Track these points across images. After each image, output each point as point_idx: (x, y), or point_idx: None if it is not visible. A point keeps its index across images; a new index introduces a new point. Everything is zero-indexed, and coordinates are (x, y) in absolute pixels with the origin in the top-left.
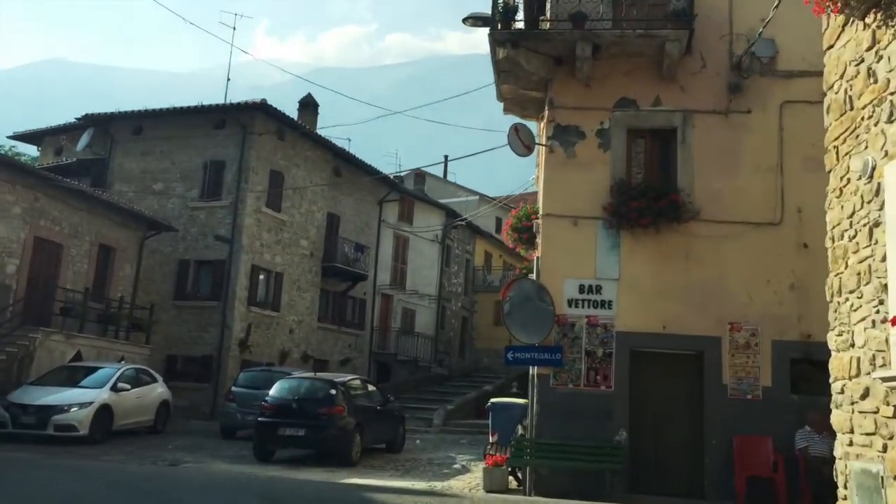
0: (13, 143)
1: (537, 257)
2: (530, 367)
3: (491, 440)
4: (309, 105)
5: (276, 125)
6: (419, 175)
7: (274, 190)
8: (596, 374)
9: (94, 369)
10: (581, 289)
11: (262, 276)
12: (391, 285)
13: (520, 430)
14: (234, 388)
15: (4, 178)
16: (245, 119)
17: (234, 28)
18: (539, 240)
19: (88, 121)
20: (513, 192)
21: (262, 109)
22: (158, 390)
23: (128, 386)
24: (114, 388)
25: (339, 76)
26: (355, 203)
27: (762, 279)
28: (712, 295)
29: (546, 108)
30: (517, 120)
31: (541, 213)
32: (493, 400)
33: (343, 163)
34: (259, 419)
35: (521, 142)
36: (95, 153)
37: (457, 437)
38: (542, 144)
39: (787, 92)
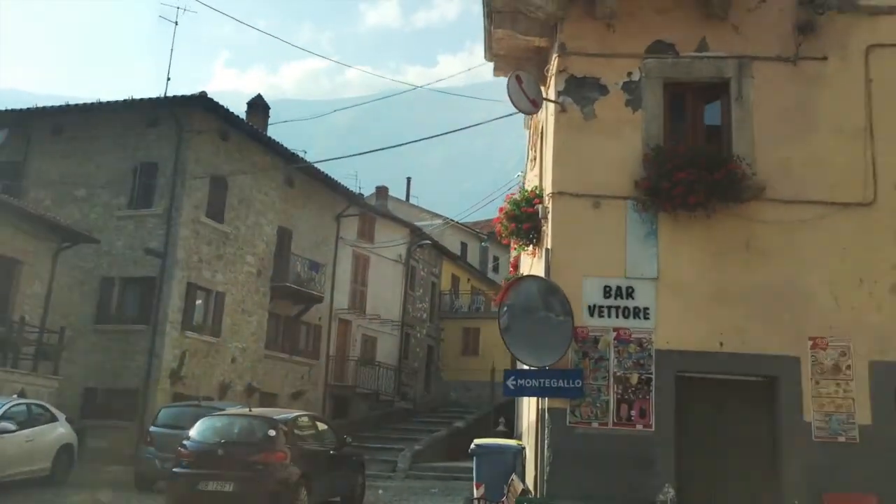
0: None
1: (547, 249)
2: (537, 400)
3: (476, 494)
4: (258, 107)
5: (217, 123)
6: (381, 191)
7: (216, 198)
8: (629, 409)
9: None
10: (607, 292)
11: (199, 296)
12: (350, 309)
13: (514, 483)
14: (152, 429)
15: None
16: (181, 115)
17: (176, 23)
18: (547, 228)
19: (1, 119)
20: (480, 219)
21: (201, 104)
22: (58, 431)
23: (12, 426)
24: None
25: (300, 110)
26: (310, 217)
27: (852, 278)
28: (786, 300)
29: (555, 56)
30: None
31: (550, 191)
32: (477, 441)
33: (297, 172)
34: (174, 469)
35: (525, 94)
36: (10, 156)
37: (426, 483)
38: (552, 101)
39: (874, 33)
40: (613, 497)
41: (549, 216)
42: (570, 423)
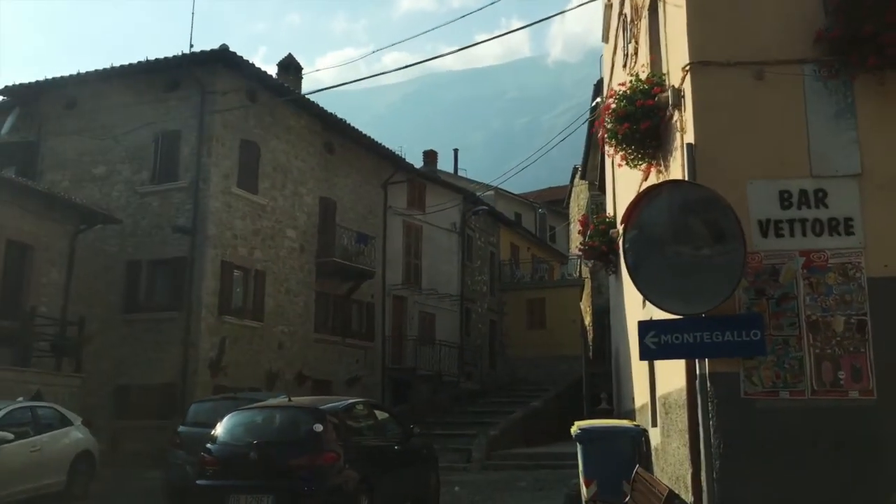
0: None
1: (688, 146)
2: (688, 365)
3: (587, 494)
4: (290, 67)
5: (244, 82)
6: (430, 156)
7: (248, 166)
8: (835, 369)
9: None
10: (785, 200)
11: (237, 276)
12: (404, 284)
13: (646, 480)
14: (181, 428)
15: None
16: (203, 75)
17: None
18: (682, 119)
19: (10, 94)
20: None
21: (223, 61)
22: (73, 437)
23: (10, 436)
24: None
25: (338, 101)
26: (354, 185)
27: None
28: None
29: None
30: None
31: (685, 63)
32: (581, 425)
33: (337, 136)
34: (197, 482)
35: None
36: (23, 136)
37: (509, 475)
38: None
39: None
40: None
41: (687, 100)
42: (745, 393)
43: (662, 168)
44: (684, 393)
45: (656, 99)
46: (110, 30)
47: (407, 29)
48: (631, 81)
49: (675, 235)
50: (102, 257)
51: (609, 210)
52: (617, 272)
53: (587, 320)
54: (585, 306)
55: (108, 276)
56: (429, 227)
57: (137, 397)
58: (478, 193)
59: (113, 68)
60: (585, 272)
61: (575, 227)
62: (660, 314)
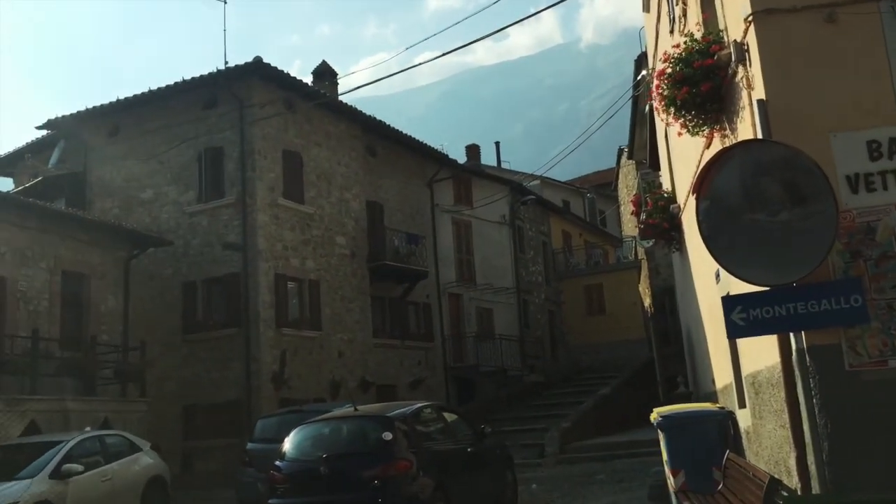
0: None
1: (760, 102)
2: (781, 340)
3: (674, 485)
4: (325, 74)
5: (281, 93)
6: (472, 150)
7: (292, 176)
8: None
9: (38, 447)
10: (874, 150)
11: (291, 288)
12: (458, 282)
13: (740, 465)
14: (250, 445)
15: None
16: (240, 89)
17: (225, 1)
18: (751, 70)
19: (54, 127)
20: (576, 175)
21: (258, 73)
22: (143, 462)
23: (80, 467)
24: (56, 474)
25: (374, 106)
26: (399, 187)
27: None
28: None
29: None
30: None
31: (748, 13)
32: (661, 411)
33: (378, 138)
34: (270, 502)
35: None
36: (70, 168)
37: (585, 468)
38: None
39: None
40: None
41: (753, 54)
42: (850, 365)
43: (728, 132)
44: (777, 370)
45: (716, 57)
46: (145, 56)
47: (437, 28)
48: (685, 42)
49: (749, 202)
50: (157, 280)
51: (665, 185)
52: (681, 249)
53: (647, 302)
54: (644, 288)
55: (165, 299)
56: (478, 222)
57: (204, 417)
58: (524, 184)
59: (151, 91)
60: (641, 253)
61: (626, 209)
62: (739, 287)
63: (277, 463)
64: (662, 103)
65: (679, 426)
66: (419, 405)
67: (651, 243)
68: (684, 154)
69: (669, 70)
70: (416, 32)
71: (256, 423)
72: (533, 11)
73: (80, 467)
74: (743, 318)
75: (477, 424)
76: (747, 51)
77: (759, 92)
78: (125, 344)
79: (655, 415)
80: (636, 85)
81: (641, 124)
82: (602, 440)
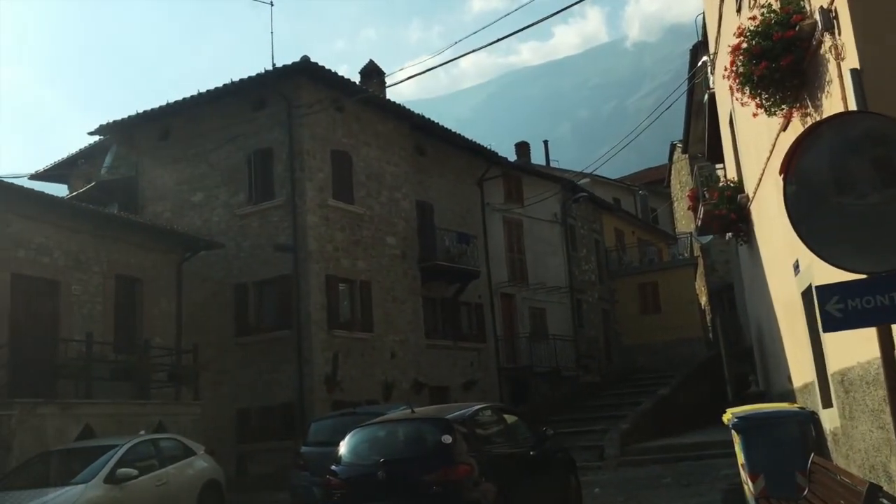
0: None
1: (853, 73)
2: (879, 330)
3: (754, 490)
4: (372, 73)
5: (329, 92)
6: (522, 148)
7: (341, 177)
8: None
9: (93, 451)
10: None
11: (342, 289)
12: (510, 281)
13: (828, 469)
14: (304, 449)
15: None
16: (288, 90)
17: (272, 4)
18: (841, 39)
19: (106, 132)
20: (626, 173)
21: (306, 73)
22: (198, 466)
23: (135, 472)
24: (111, 479)
25: (420, 109)
26: (449, 186)
27: None
28: None
29: None
30: None
31: None
32: (736, 412)
33: (427, 137)
34: None
35: None
36: (122, 173)
37: (649, 471)
38: None
39: None
40: None
41: (844, 20)
42: None
43: (810, 109)
44: (874, 365)
45: (797, 28)
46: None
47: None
48: (762, 14)
49: (838, 184)
50: (209, 283)
51: (730, 174)
52: (749, 241)
53: (702, 300)
54: (700, 286)
55: (217, 302)
56: (529, 221)
57: (258, 420)
58: (575, 182)
59: (200, 94)
60: (697, 250)
61: (680, 205)
62: (823, 278)
63: (333, 467)
64: (737, 81)
65: (757, 427)
66: (478, 406)
67: (709, 239)
68: (755, 140)
69: (745, 45)
70: (460, 34)
71: (310, 425)
72: (579, 18)
73: (134, 472)
74: (840, 308)
75: (539, 427)
76: (835, 18)
77: (853, 61)
78: (178, 347)
79: (729, 415)
80: (692, 76)
81: (698, 116)
82: (664, 442)
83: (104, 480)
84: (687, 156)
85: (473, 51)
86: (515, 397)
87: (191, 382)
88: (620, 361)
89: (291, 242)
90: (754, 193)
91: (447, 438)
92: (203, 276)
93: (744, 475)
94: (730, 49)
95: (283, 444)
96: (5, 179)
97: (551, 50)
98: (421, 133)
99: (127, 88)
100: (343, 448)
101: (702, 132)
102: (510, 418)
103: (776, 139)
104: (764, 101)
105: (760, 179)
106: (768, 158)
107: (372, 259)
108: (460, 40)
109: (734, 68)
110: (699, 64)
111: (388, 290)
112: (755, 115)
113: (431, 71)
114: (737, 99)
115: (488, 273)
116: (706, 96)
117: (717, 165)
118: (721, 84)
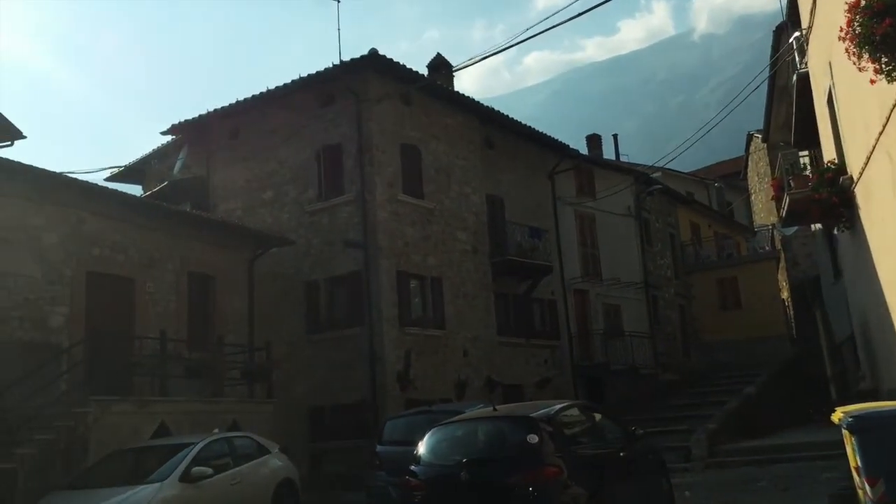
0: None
1: None
2: None
3: (872, 496)
4: (440, 67)
5: (397, 86)
6: (593, 140)
7: (410, 171)
8: None
9: (168, 449)
10: None
11: (413, 285)
12: (583, 277)
13: None
14: (379, 448)
15: (18, 193)
16: (356, 84)
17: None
18: None
19: (178, 132)
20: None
21: (374, 66)
22: (272, 465)
23: (209, 470)
24: (186, 477)
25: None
26: (519, 179)
27: None
28: None
29: None
30: None
31: None
32: (851, 410)
33: (495, 130)
34: None
35: None
36: (194, 172)
37: (741, 473)
38: None
39: None
40: None
41: None
42: None
43: None
44: None
45: None
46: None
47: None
48: None
49: None
50: (281, 280)
51: (828, 156)
52: (853, 226)
53: (784, 295)
54: (781, 280)
55: (288, 299)
56: (602, 214)
57: (331, 418)
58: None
59: (269, 91)
60: (778, 243)
61: (758, 198)
62: None
63: (413, 468)
64: (854, 42)
65: (876, 428)
66: (563, 404)
67: (793, 231)
68: (862, 115)
69: (865, 1)
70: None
71: (384, 424)
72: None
73: (209, 470)
74: None
75: (628, 426)
76: None
77: None
78: (251, 344)
79: (840, 414)
80: (775, 59)
81: (780, 101)
82: (754, 443)
83: (179, 479)
84: (766, 145)
85: (539, 34)
86: (591, 396)
87: (264, 380)
88: (698, 359)
89: (361, 238)
90: (860, 175)
91: (533, 438)
92: (274, 273)
93: (858, 479)
94: (847, 7)
95: (356, 442)
96: (81, 179)
97: (617, 45)
98: (490, 126)
99: (195, 90)
100: (422, 448)
101: (785, 118)
102: (597, 417)
103: (891, 112)
104: (884, 66)
105: (868, 158)
106: (881, 133)
107: (442, 255)
108: (528, 28)
109: (850, 29)
110: (790, 41)
111: (459, 287)
112: (873, 81)
113: (495, 68)
114: (853, 63)
115: (561, 268)
116: (794, 77)
117: (803, 153)
118: (816, 59)
